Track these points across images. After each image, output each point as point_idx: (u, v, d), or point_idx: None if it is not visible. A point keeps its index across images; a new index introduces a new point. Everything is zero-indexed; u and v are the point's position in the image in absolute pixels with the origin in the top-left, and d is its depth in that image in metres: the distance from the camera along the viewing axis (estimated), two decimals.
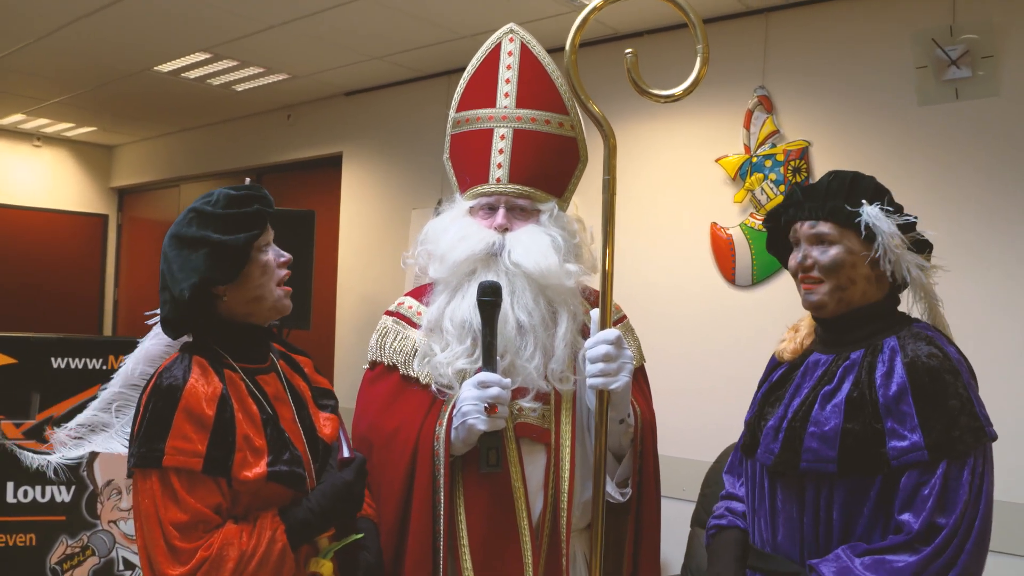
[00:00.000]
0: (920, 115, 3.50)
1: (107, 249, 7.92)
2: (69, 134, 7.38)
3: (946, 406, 1.62)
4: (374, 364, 2.13)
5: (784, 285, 3.81)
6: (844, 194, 1.77)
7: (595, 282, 2.11)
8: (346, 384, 5.15)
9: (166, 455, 1.60)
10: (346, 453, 1.82)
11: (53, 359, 3.86)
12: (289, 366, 1.94)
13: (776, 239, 1.94)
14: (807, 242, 1.80)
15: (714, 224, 4.00)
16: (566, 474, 1.96)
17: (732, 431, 3.62)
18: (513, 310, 1.98)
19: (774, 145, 3.83)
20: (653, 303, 4.13)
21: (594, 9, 1.88)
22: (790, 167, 3.77)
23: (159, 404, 1.64)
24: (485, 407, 1.84)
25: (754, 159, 3.88)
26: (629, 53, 1.85)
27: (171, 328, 1.74)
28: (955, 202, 3.37)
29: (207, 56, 4.99)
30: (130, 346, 1.90)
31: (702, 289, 4.05)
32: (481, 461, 1.90)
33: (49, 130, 7.25)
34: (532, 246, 2.02)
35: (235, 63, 5.12)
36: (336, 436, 1.88)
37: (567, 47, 1.86)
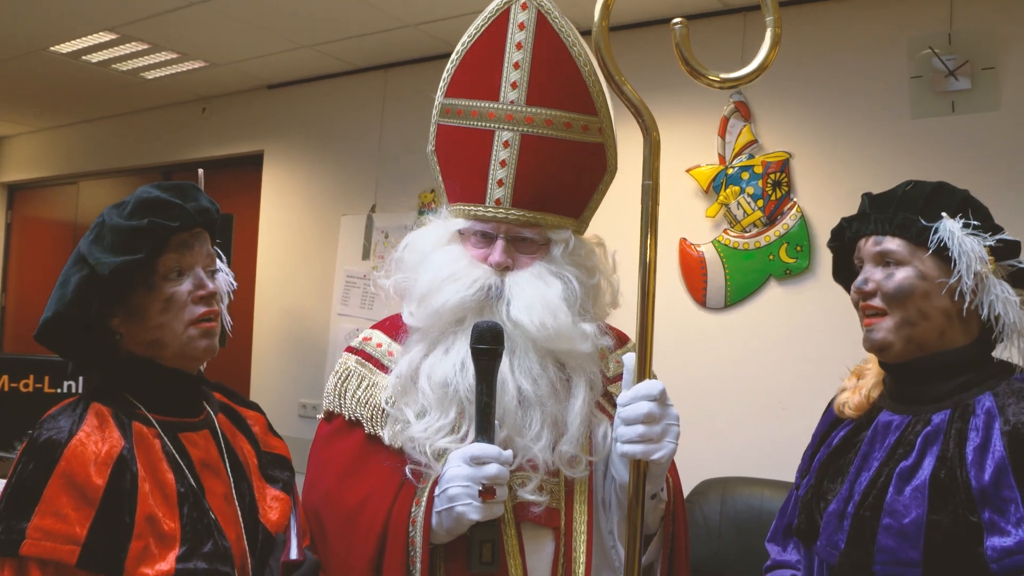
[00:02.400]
0: (913, 128, 3.23)
1: None
2: None
3: None
4: (331, 415, 1.67)
5: (761, 308, 3.48)
6: (921, 205, 1.42)
7: (616, 318, 1.71)
8: (263, 407, 4.64)
9: (27, 539, 1.17)
10: (293, 552, 1.36)
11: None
12: (232, 423, 1.51)
13: (842, 263, 1.57)
14: (871, 262, 1.46)
15: (683, 240, 3.65)
16: (581, 567, 1.54)
17: (704, 467, 3.35)
18: (513, 375, 1.54)
19: (752, 156, 3.51)
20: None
21: None
22: (770, 180, 3.45)
23: (30, 466, 1.23)
24: (479, 490, 1.42)
25: (729, 170, 3.55)
26: (679, 24, 1.45)
27: (44, 334, 1.35)
28: None
29: (113, 36, 4.45)
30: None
31: (670, 312, 3.69)
32: (472, 558, 1.46)
33: None
34: (537, 299, 1.57)
35: (145, 46, 4.58)
36: (284, 525, 1.42)
37: (598, 10, 1.44)
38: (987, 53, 3.08)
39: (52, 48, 4.67)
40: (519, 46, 1.62)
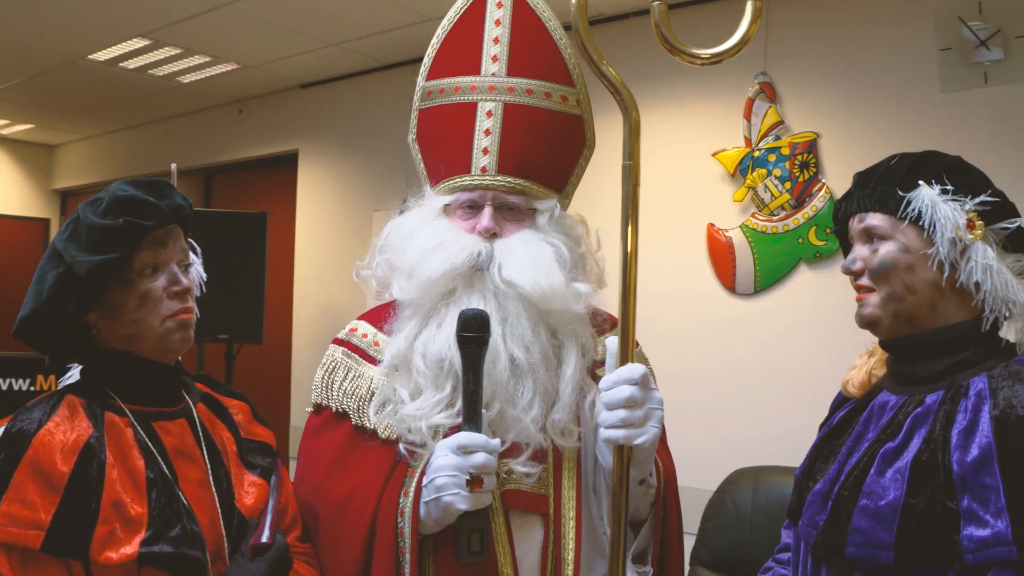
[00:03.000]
0: (943, 103, 3.13)
1: None
2: (5, 132, 6.90)
3: None
4: (319, 408, 1.67)
5: (792, 292, 3.42)
6: (901, 176, 1.36)
7: (601, 301, 1.69)
8: (303, 404, 4.71)
9: None
10: (265, 536, 1.37)
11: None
12: (212, 412, 1.52)
13: (844, 243, 1.52)
14: (858, 240, 1.41)
15: (711, 226, 3.60)
16: (570, 554, 1.52)
17: (735, 456, 3.29)
18: (505, 343, 1.52)
19: (778, 137, 3.44)
20: (643, 314, 3.69)
21: None
22: (796, 162, 3.37)
23: (1, 456, 1.26)
24: (467, 480, 1.40)
25: (756, 153, 3.48)
26: (657, 2, 1.42)
27: (22, 331, 1.38)
28: None
29: (146, 43, 4.54)
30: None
31: (698, 298, 3.65)
32: (461, 548, 1.44)
33: None
34: (529, 259, 1.56)
35: (178, 51, 4.67)
36: (260, 509, 1.43)
37: None
38: (1020, 20, 2.97)
39: (89, 57, 4.79)
40: (498, 22, 1.64)
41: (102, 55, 4.76)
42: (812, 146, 3.37)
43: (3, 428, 1.28)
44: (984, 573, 1.19)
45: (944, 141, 3.03)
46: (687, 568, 3.20)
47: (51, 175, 7.44)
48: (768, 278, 3.46)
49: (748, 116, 3.51)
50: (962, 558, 1.20)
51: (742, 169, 3.51)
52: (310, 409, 1.70)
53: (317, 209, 5.23)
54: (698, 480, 3.42)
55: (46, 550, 1.21)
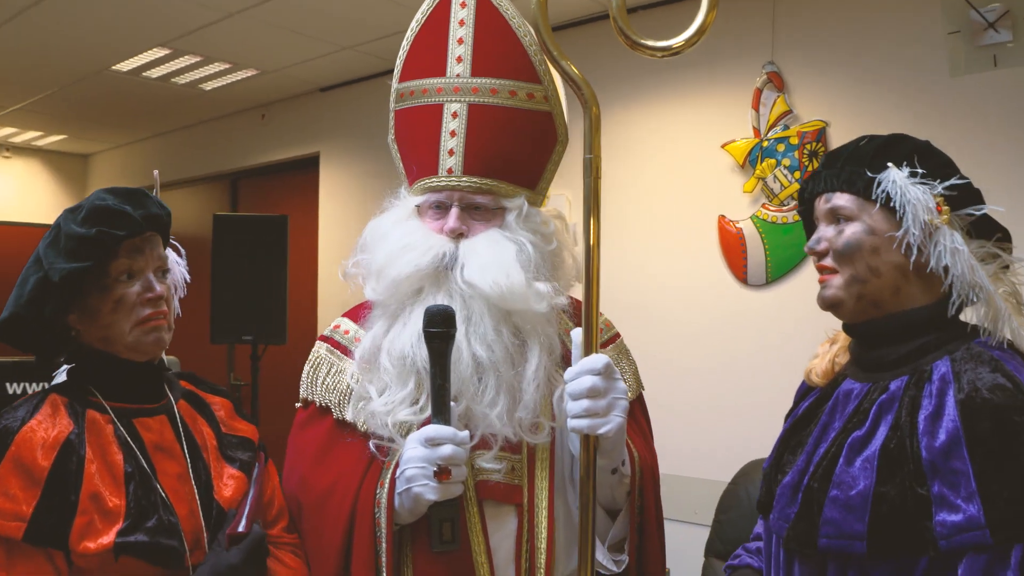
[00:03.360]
0: (953, 87, 3.10)
1: None
2: (39, 143, 7.06)
3: (1018, 464, 1.18)
4: (306, 402, 1.72)
5: (805, 283, 3.40)
6: (869, 158, 1.35)
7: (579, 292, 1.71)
8: None
9: None
10: (242, 526, 1.41)
11: (8, 384, 3.49)
12: (194, 408, 1.57)
13: (809, 223, 1.51)
14: (824, 220, 1.40)
15: (722, 217, 3.59)
16: (543, 543, 1.54)
17: (749, 448, 3.27)
18: (468, 342, 1.55)
19: (787, 127, 3.42)
20: (656, 308, 3.74)
21: None
22: (806, 151, 3.35)
23: None
24: (435, 471, 1.43)
25: (765, 143, 3.46)
26: None
27: (3, 331, 1.45)
28: (996, 185, 2.91)
29: (167, 52, 4.63)
30: None
31: (711, 290, 3.65)
32: (433, 538, 1.48)
33: (18, 140, 6.93)
34: (491, 259, 1.58)
35: (198, 58, 4.75)
36: (238, 500, 1.48)
37: None
38: None
39: (113, 67, 4.90)
40: (461, 23, 1.65)
41: (124, 65, 4.86)
42: (821, 135, 3.34)
43: None
44: (959, 558, 1.19)
45: (954, 126, 3.04)
46: (701, 559, 3.20)
47: (85, 184, 7.61)
48: (779, 269, 3.45)
49: (756, 106, 3.50)
50: (936, 544, 1.19)
51: (751, 160, 3.50)
52: (298, 404, 1.75)
53: (339, 210, 5.30)
54: (712, 472, 3.43)
55: (28, 540, 1.28)
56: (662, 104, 3.80)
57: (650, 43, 1.44)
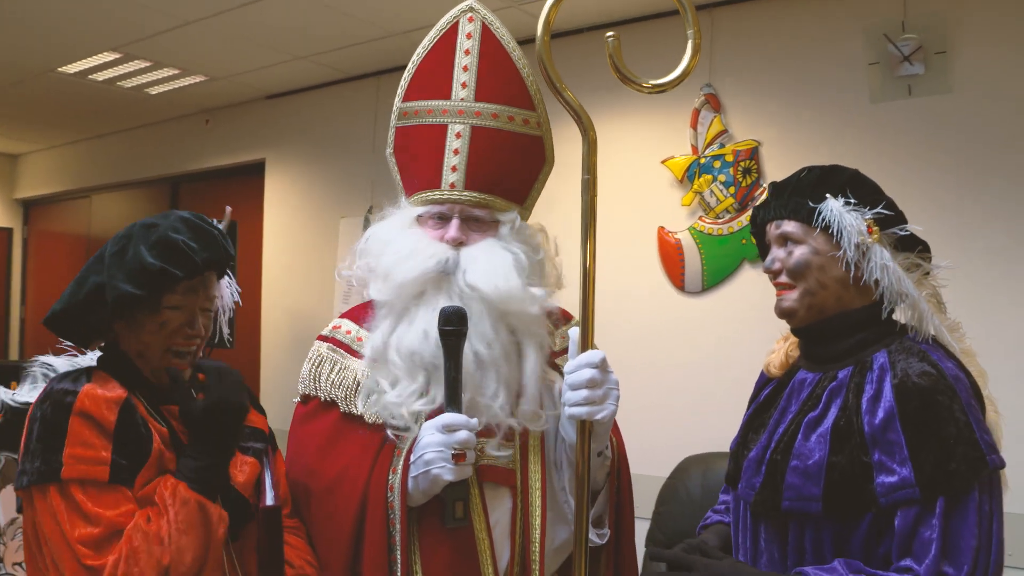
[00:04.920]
0: (873, 112, 3.39)
1: (12, 265, 7.44)
2: None
3: (940, 434, 1.41)
4: (307, 398, 1.85)
5: (738, 291, 3.66)
6: (810, 189, 1.60)
7: (561, 299, 1.89)
8: (273, 406, 4.79)
9: (65, 465, 1.40)
10: (270, 499, 1.55)
11: None
12: None
13: (762, 245, 1.75)
14: (775, 244, 1.64)
15: (661, 228, 3.83)
16: (537, 520, 1.72)
17: (687, 445, 3.49)
18: (470, 340, 1.71)
19: (722, 145, 3.68)
20: (598, 313, 3.90)
21: None
22: (740, 168, 3.62)
23: (49, 410, 1.44)
24: (452, 454, 1.59)
25: (702, 160, 3.72)
26: (611, 37, 1.61)
27: (54, 321, 1.55)
28: (911, 202, 3.16)
29: (117, 56, 4.67)
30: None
31: (650, 297, 3.88)
32: (447, 515, 1.64)
33: None
34: (490, 266, 1.75)
35: (147, 64, 4.80)
36: (253, 481, 1.61)
37: (540, 26, 1.59)
38: (939, 38, 3.23)
39: (60, 69, 4.89)
40: (467, 52, 1.82)
41: (72, 68, 4.87)
42: (754, 153, 3.61)
43: (42, 397, 1.47)
44: (894, 512, 1.42)
45: (874, 147, 3.33)
46: (641, 550, 3.40)
47: (14, 184, 7.48)
48: (714, 277, 3.70)
49: (694, 125, 3.75)
50: (877, 502, 1.42)
51: (689, 175, 3.75)
52: (297, 399, 1.87)
53: (284, 216, 5.38)
54: (652, 468, 3.62)
55: (113, 481, 1.41)
56: (607, 121, 4.01)
57: (640, 81, 1.63)
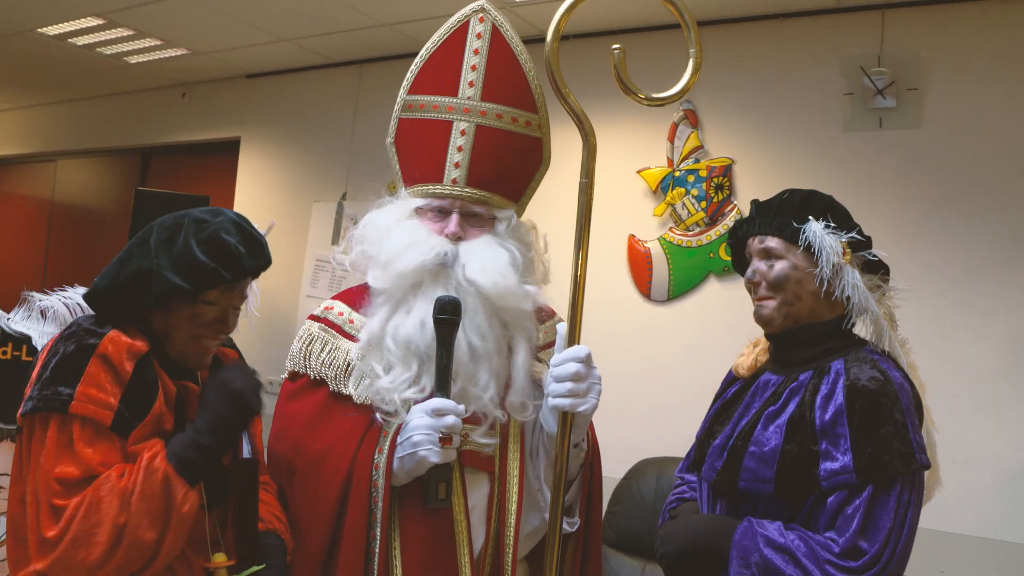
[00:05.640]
0: (845, 141, 3.52)
1: None
2: None
3: (880, 431, 1.59)
4: (295, 375, 1.89)
5: (702, 302, 3.76)
6: (794, 210, 1.76)
7: (546, 294, 1.96)
8: None
9: (75, 400, 1.43)
10: (246, 452, 1.61)
11: None
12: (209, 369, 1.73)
13: (738, 255, 1.91)
14: (757, 257, 1.79)
15: (632, 236, 3.92)
16: (513, 505, 1.79)
17: (643, 448, 3.58)
18: (465, 332, 1.77)
19: (697, 160, 3.78)
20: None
21: None
22: (712, 183, 3.72)
23: (71, 347, 1.48)
24: (439, 437, 1.66)
25: (676, 173, 3.82)
26: (617, 49, 1.69)
27: (95, 297, 1.58)
28: (877, 230, 3.28)
29: (100, 22, 4.64)
30: None
31: (617, 303, 3.96)
32: (429, 496, 1.70)
33: None
34: (489, 262, 1.81)
35: (130, 32, 4.77)
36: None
37: (550, 33, 1.67)
38: (911, 75, 3.36)
39: (39, 30, 4.84)
40: (476, 52, 1.88)
41: (52, 29, 4.82)
42: (727, 171, 3.72)
43: (64, 333, 1.51)
44: (832, 494, 1.59)
45: (844, 175, 3.45)
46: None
47: None
48: (680, 287, 3.80)
49: (672, 139, 3.85)
50: (819, 485, 1.60)
51: (663, 187, 3.85)
52: (284, 376, 1.92)
53: (256, 197, 5.38)
54: (607, 469, 3.69)
55: (113, 429, 1.45)
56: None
57: (641, 95, 1.71)
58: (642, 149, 3.94)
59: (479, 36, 1.89)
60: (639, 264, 3.90)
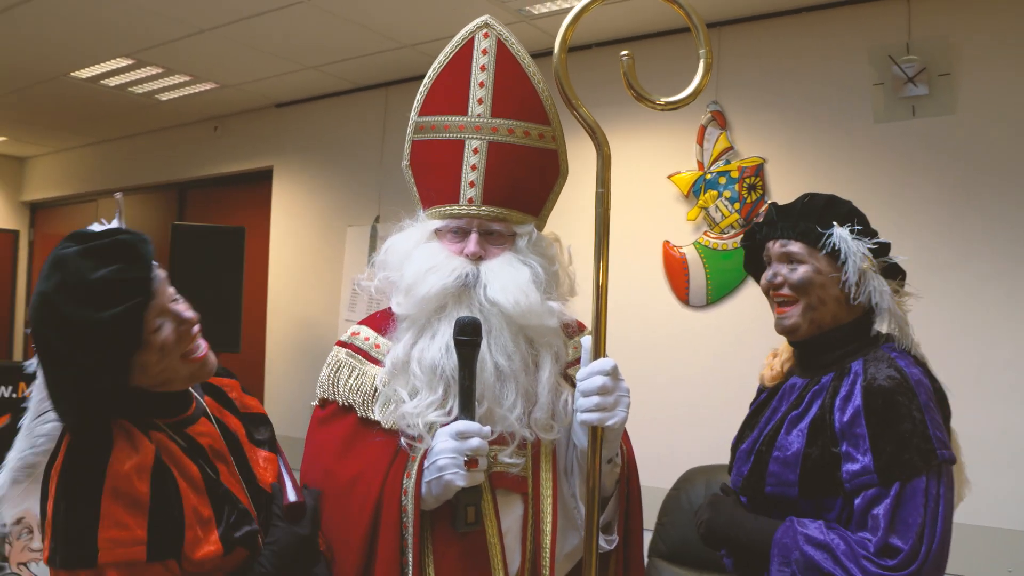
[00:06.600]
0: (877, 132, 3.45)
1: (18, 267, 7.48)
2: None
3: (898, 428, 1.58)
4: (325, 402, 1.89)
5: (741, 305, 3.71)
6: (817, 215, 1.76)
7: (574, 308, 1.94)
8: (277, 411, 4.84)
9: (100, 551, 1.32)
10: (291, 496, 1.59)
11: None
12: (216, 401, 1.68)
13: (752, 258, 1.91)
14: (777, 260, 1.78)
15: (667, 243, 3.88)
16: (548, 526, 1.76)
17: (691, 455, 3.54)
18: (491, 353, 1.75)
19: (728, 162, 3.73)
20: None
21: (586, 7, 1.69)
22: (745, 184, 3.67)
23: (78, 487, 1.35)
24: (465, 460, 1.63)
25: (708, 176, 3.77)
26: (625, 56, 1.67)
27: (73, 427, 1.42)
28: (913, 221, 3.31)
29: (129, 62, 4.72)
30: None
31: (655, 310, 3.92)
32: (458, 520, 1.68)
33: None
34: (510, 280, 1.79)
35: (159, 70, 4.85)
36: (276, 478, 1.65)
37: (557, 44, 1.66)
38: (942, 60, 3.29)
39: (72, 74, 4.95)
40: (483, 68, 1.86)
41: (84, 72, 4.92)
42: (759, 170, 3.66)
43: (66, 468, 1.39)
44: (857, 496, 1.60)
45: (876, 167, 3.38)
46: (646, 560, 3.44)
47: (21, 187, 7.52)
48: (719, 291, 3.75)
49: (701, 142, 3.80)
50: (843, 486, 1.61)
51: (695, 190, 3.80)
52: (315, 403, 1.92)
53: (291, 224, 5.43)
54: (655, 479, 3.65)
55: (151, 559, 1.35)
56: (614, 136, 3.99)
57: (653, 99, 1.68)
58: (671, 154, 3.90)
59: (484, 52, 1.87)
60: (675, 270, 3.85)
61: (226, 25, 4.08)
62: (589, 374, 1.67)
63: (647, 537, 3.42)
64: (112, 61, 4.71)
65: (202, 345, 1.50)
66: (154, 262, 1.43)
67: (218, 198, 6.08)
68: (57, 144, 6.95)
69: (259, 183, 5.65)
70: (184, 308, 1.46)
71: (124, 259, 1.37)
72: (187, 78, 4.98)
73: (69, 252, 1.37)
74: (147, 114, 5.78)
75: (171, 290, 1.46)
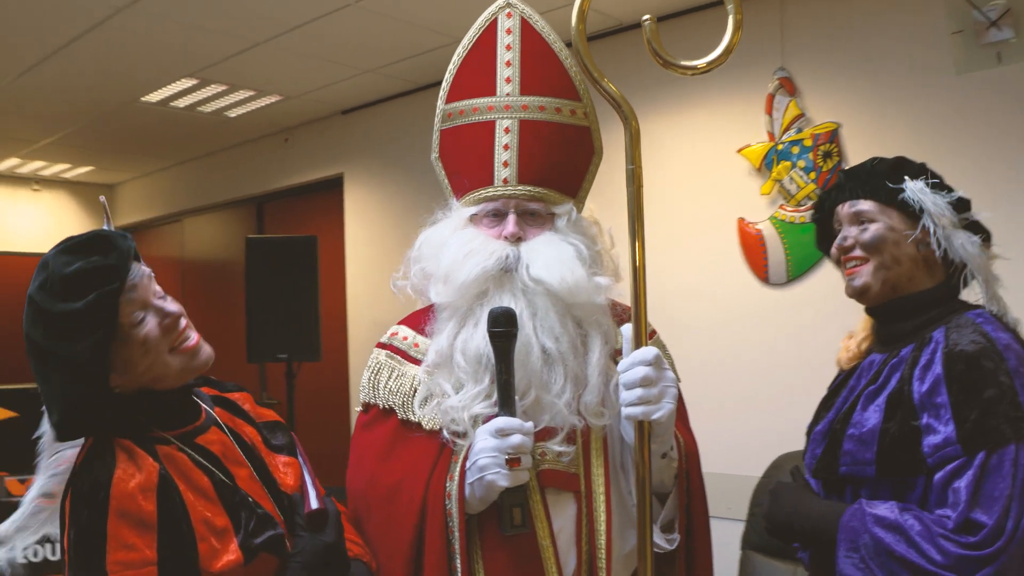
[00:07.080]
0: (958, 84, 3.21)
1: None
2: (67, 175, 7.24)
3: (983, 395, 1.46)
4: (367, 406, 1.83)
5: (823, 280, 3.52)
6: (887, 173, 1.67)
7: (617, 292, 1.83)
8: None
9: (110, 574, 1.31)
10: (313, 503, 1.53)
11: None
12: (228, 411, 1.64)
13: (824, 231, 1.79)
14: (848, 222, 1.68)
15: (741, 220, 3.71)
16: (602, 525, 1.66)
17: (781, 441, 3.37)
18: (537, 336, 1.67)
19: (800, 130, 3.54)
20: (680, 311, 3.85)
21: None
22: (820, 152, 3.47)
23: (84, 513, 1.34)
24: (506, 459, 1.55)
25: (779, 146, 3.58)
26: (647, 20, 1.57)
27: (65, 434, 1.42)
28: (1004, 179, 3.07)
29: (194, 82, 4.80)
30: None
31: (733, 291, 3.76)
32: (504, 522, 1.59)
33: (47, 172, 7.10)
34: (553, 258, 1.71)
35: (224, 87, 4.92)
36: (299, 484, 1.59)
37: (574, 16, 1.57)
38: None
39: (142, 99, 5.07)
40: (508, 47, 1.79)
41: (154, 96, 5.03)
42: (834, 136, 3.46)
43: (73, 494, 1.37)
44: (939, 470, 1.48)
45: (960, 123, 3.15)
46: (737, 553, 3.30)
47: (114, 213, 7.77)
48: (800, 267, 3.56)
49: (769, 111, 3.62)
50: (925, 462, 1.50)
51: (767, 163, 3.62)
52: (359, 408, 1.86)
53: (365, 229, 5.44)
54: (745, 467, 3.52)
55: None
56: (679, 112, 3.92)
57: (682, 63, 1.58)
58: (740, 127, 3.72)
59: (509, 32, 1.80)
60: (753, 248, 3.68)
61: (277, 36, 4.09)
62: (630, 364, 1.57)
63: (739, 528, 3.30)
64: (178, 82, 4.80)
65: (193, 336, 1.48)
66: (140, 261, 1.44)
67: (293, 208, 6.15)
68: (141, 169, 7.16)
69: (331, 191, 5.68)
70: (169, 303, 1.45)
71: (100, 251, 1.38)
72: (252, 92, 5.04)
73: (51, 254, 1.40)
74: (218, 132, 5.88)
75: (157, 288, 1.46)
